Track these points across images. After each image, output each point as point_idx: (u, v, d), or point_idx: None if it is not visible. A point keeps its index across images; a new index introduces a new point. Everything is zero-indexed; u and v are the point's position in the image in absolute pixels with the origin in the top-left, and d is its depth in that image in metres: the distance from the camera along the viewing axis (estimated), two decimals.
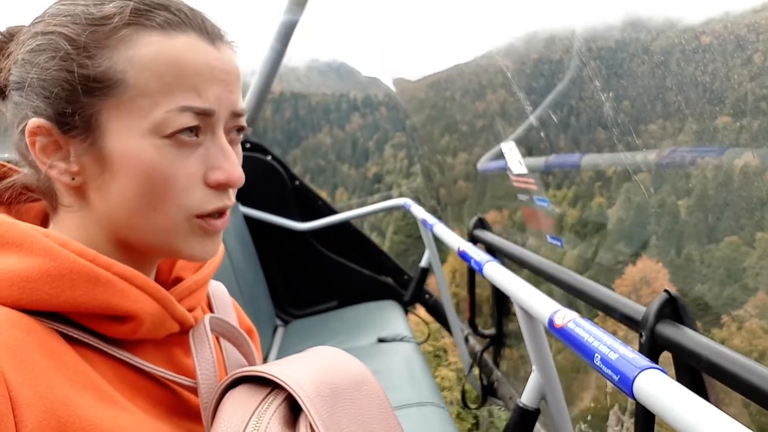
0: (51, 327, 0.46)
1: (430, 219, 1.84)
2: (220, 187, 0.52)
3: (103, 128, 0.48)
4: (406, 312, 2.46)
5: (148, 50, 0.47)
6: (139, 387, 0.51)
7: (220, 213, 0.53)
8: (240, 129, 0.55)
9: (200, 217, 0.51)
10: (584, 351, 0.73)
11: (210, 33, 0.51)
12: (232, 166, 0.52)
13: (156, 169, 0.48)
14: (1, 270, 0.44)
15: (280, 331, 2.46)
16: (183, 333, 0.56)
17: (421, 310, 2.58)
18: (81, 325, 0.48)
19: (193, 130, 0.49)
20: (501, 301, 1.90)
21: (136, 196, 0.49)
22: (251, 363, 0.65)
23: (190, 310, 0.56)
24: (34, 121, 0.48)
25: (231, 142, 0.54)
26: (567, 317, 0.81)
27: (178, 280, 0.60)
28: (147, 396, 0.51)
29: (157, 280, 0.61)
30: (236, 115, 0.53)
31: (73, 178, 0.50)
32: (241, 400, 0.49)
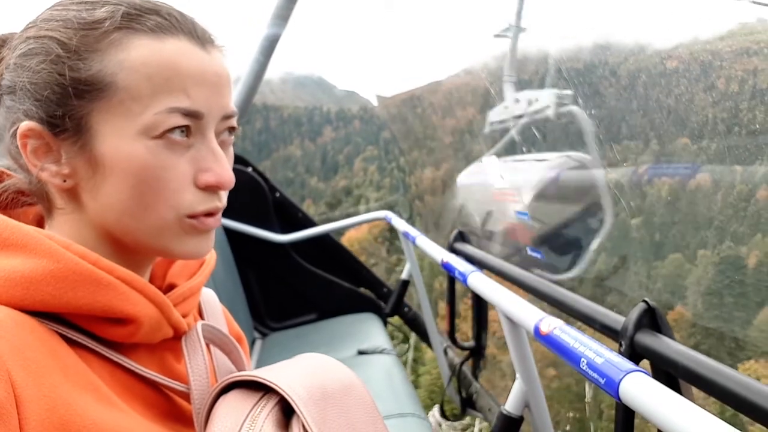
0: (51, 328, 0.46)
1: (412, 231, 1.86)
2: (210, 189, 0.52)
3: (93, 130, 0.49)
4: (386, 324, 2.48)
5: (138, 53, 0.48)
6: (134, 390, 0.51)
7: (211, 213, 0.53)
8: (231, 129, 0.56)
9: (191, 217, 0.52)
10: (570, 356, 0.76)
11: (200, 37, 0.52)
12: (222, 168, 0.52)
13: (147, 170, 0.49)
14: (5, 270, 0.45)
15: (258, 343, 2.45)
16: (175, 339, 0.57)
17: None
18: (80, 327, 0.49)
19: (184, 131, 0.50)
20: (480, 313, 1.92)
21: (128, 198, 0.49)
22: (241, 370, 0.65)
23: (184, 316, 0.57)
24: (25, 124, 0.49)
25: (222, 144, 0.55)
26: (552, 324, 0.84)
27: (172, 286, 0.60)
28: (142, 399, 0.52)
29: None
30: (226, 117, 0.54)
31: (65, 181, 0.51)
32: (233, 405, 0.50)
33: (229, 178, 0.53)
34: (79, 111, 0.48)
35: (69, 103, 0.48)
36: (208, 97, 0.51)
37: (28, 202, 0.57)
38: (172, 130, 0.49)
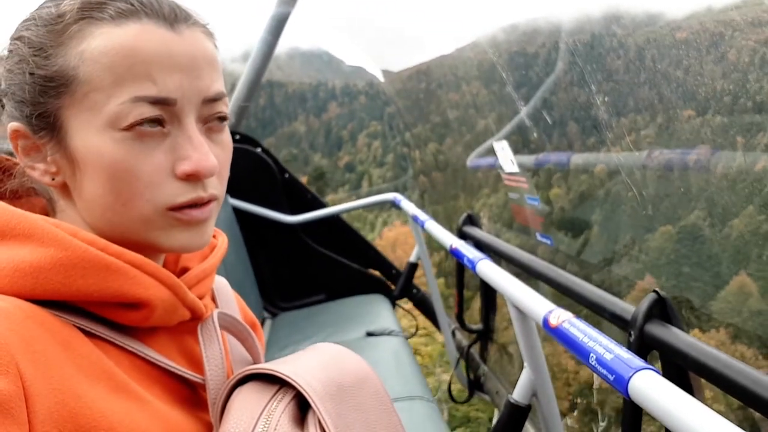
0: (65, 320, 0.46)
1: (422, 215, 1.86)
2: (190, 179, 0.49)
3: (66, 127, 0.48)
4: (394, 306, 2.49)
5: (97, 43, 0.46)
6: (153, 377, 0.52)
7: (195, 203, 0.51)
8: (221, 119, 0.53)
9: (174, 209, 0.50)
10: (579, 351, 0.76)
11: (167, 17, 0.49)
12: (200, 155, 0.49)
13: (117, 164, 0.47)
14: (14, 261, 0.44)
15: (267, 323, 2.47)
16: (194, 320, 0.57)
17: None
18: (95, 314, 0.48)
19: (156, 121, 0.48)
20: (488, 296, 1.93)
21: (106, 193, 0.48)
22: (255, 358, 0.66)
23: (200, 298, 0.57)
24: (11, 126, 0.50)
25: (210, 131, 0.52)
26: (562, 317, 0.84)
27: (185, 270, 0.60)
28: (162, 386, 0.52)
29: None
30: (211, 100, 0.51)
31: (53, 179, 0.50)
32: (249, 398, 0.50)
33: (209, 166, 0.49)
34: (50, 108, 0.48)
35: (40, 102, 0.48)
36: (181, 81, 0.48)
37: (38, 194, 0.57)
38: (140, 122, 0.47)
